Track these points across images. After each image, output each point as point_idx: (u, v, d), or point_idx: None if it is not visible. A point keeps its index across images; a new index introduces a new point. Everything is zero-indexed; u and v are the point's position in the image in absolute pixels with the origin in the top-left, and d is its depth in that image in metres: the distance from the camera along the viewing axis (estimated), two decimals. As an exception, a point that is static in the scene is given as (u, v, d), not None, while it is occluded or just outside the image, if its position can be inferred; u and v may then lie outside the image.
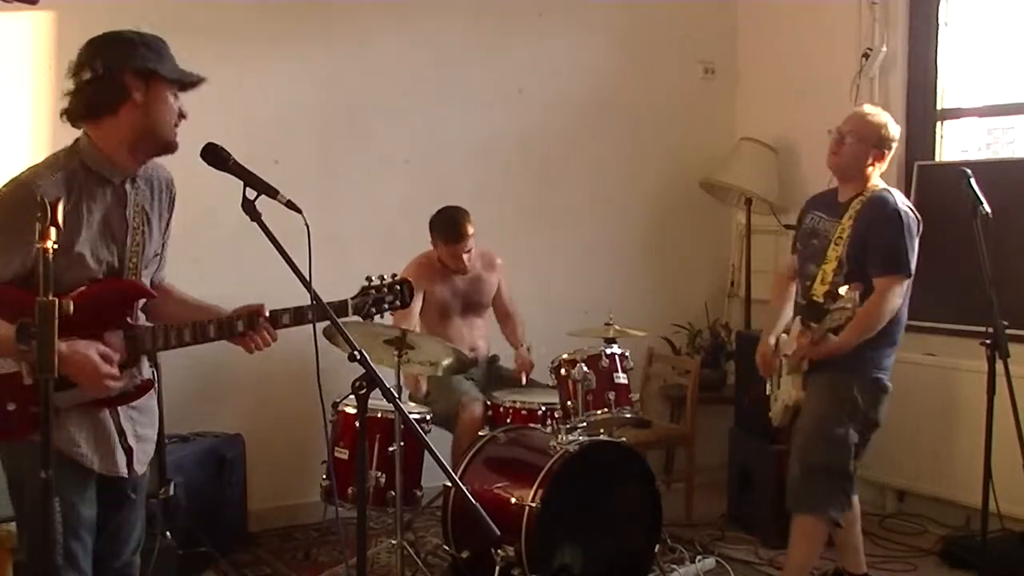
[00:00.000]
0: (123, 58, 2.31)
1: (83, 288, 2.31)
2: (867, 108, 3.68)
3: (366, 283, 2.69)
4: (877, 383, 3.50)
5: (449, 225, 4.31)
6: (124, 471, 2.43)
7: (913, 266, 3.45)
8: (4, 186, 2.30)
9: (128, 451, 2.44)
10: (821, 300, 3.52)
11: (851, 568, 3.73)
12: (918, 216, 3.50)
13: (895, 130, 3.57)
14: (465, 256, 4.32)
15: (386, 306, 2.69)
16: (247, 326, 2.49)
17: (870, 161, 3.53)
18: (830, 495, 3.47)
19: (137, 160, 2.40)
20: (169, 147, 2.40)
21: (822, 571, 3.87)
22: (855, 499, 3.65)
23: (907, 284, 3.44)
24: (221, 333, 2.47)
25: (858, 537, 3.73)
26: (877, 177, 3.58)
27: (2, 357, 2.26)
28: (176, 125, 2.39)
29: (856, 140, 3.54)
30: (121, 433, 2.42)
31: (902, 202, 3.50)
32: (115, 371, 2.30)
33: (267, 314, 2.51)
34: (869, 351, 3.46)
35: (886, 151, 3.55)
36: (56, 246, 1.84)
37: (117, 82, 2.30)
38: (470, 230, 4.31)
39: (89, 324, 2.28)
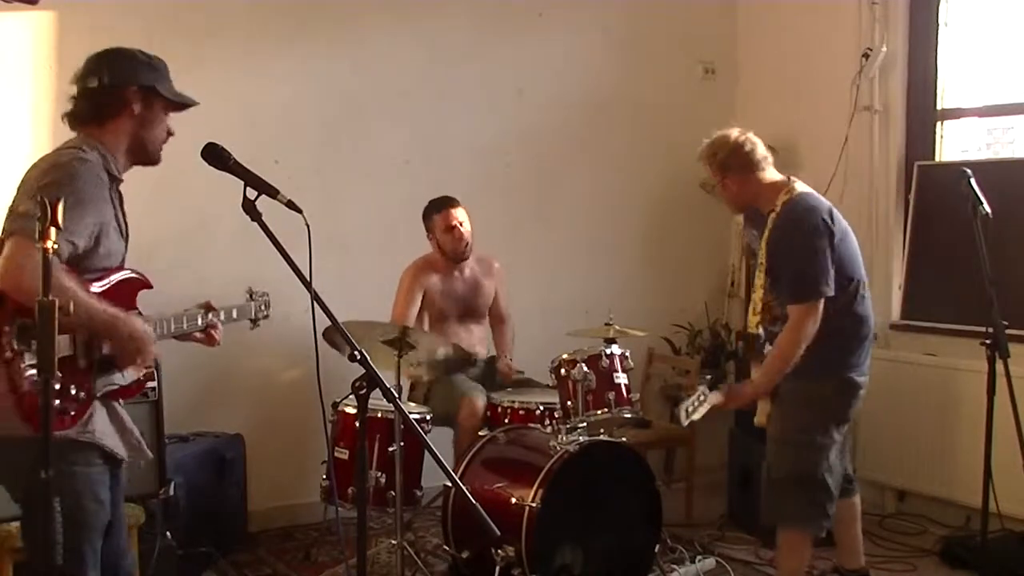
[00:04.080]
0: (128, 73, 2.46)
1: (109, 272, 2.42)
2: (700, 150, 3.52)
3: (248, 295, 2.91)
4: (849, 383, 3.40)
5: (439, 199, 4.38)
6: (149, 452, 2.55)
7: (824, 288, 3.26)
8: (60, 161, 2.34)
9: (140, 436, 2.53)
10: (755, 332, 3.46)
11: (849, 564, 3.72)
12: (826, 223, 3.30)
13: (730, 140, 3.42)
14: (461, 228, 4.34)
15: (261, 315, 2.92)
16: (207, 320, 2.66)
17: (734, 186, 3.41)
18: (804, 507, 3.36)
19: (127, 166, 2.52)
20: (153, 160, 2.55)
21: (820, 570, 3.88)
22: (856, 499, 3.65)
23: (820, 305, 3.26)
24: (190, 326, 2.63)
25: (858, 536, 3.71)
26: (776, 174, 3.42)
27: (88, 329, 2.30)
28: (164, 141, 2.55)
29: (715, 183, 3.51)
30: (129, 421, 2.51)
31: (806, 212, 3.30)
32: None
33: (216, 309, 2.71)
34: (835, 353, 3.36)
35: (740, 165, 3.38)
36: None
37: (119, 94, 2.44)
38: (461, 207, 4.36)
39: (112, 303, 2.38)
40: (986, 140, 5.10)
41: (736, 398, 3.47)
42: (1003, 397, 3.17)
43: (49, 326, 1.84)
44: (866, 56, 4.91)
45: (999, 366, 3.18)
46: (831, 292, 3.28)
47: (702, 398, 3.38)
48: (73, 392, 2.28)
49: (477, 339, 4.53)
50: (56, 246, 1.92)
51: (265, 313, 2.96)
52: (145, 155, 2.52)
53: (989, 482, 3.24)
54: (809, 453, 3.36)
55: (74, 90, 2.45)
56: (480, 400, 4.12)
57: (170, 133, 2.54)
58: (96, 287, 2.35)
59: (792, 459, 3.38)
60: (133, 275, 2.50)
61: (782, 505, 3.41)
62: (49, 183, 2.26)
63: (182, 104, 2.55)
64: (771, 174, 3.44)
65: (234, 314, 2.83)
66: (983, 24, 4.82)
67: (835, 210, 3.41)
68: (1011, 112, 4.86)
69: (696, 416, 3.38)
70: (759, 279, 3.42)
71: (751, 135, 3.47)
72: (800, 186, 3.42)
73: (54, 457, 2.12)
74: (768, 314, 3.42)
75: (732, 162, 3.41)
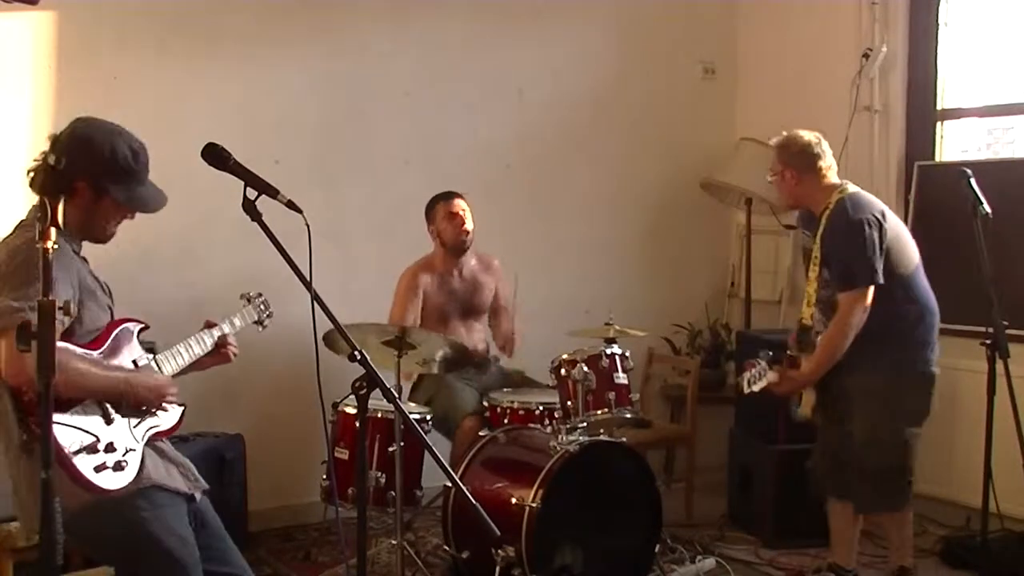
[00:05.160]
0: (82, 165, 2.41)
1: (103, 332, 2.48)
2: (774, 140, 3.73)
3: (245, 300, 2.98)
4: (924, 376, 3.57)
5: (444, 191, 4.41)
6: (205, 484, 2.60)
7: (872, 276, 3.44)
8: (18, 244, 2.36)
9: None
10: (810, 323, 3.60)
11: (842, 562, 3.79)
12: (877, 218, 3.48)
13: (803, 140, 3.62)
14: (463, 215, 4.35)
15: (265, 316, 3.01)
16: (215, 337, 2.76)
17: (792, 180, 3.60)
18: (897, 492, 3.57)
19: (80, 240, 2.53)
20: (100, 241, 2.56)
21: (815, 567, 3.93)
22: None
23: (869, 293, 3.44)
24: (202, 349, 2.74)
25: (856, 535, 3.79)
26: (836, 178, 3.61)
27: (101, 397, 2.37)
28: (116, 226, 2.55)
29: (774, 175, 3.66)
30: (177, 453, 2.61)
31: (857, 209, 3.49)
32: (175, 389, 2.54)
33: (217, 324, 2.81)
34: (908, 351, 3.54)
35: (804, 165, 3.58)
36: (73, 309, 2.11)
37: (69, 182, 2.40)
38: (465, 199, 4.39)
39: (123, 356, 2.49)
40: (986, 140, 5.10)
41: (788, 383, 3.59)
42: (1003, 397, 3.17)
43: (49, 327, 1.84)
44: (866, 56, 4.91)
45: (999, 366, 3.19)
46: (880, 280, 3.44)
47: (763, 372, 3.55)
48: (119, 448, 2.35)
49: (478, 338, 4.52)
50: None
51: (268, 312, 3.02)
52: (91, 237, 2.53)
53: (989, 482, 3.25)
54: (897, 447, 3.54)
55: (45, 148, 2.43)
56: (477, 420, 4.13)
57: (127, 217, 2.54)
58: (97, 352, 2.42)
59: (882, 454, 3.53)
60: (127, 323, 2.56)
61: (882, 495, 3.57)
62: (16, 268, 2.29)
63: (141, 209, 2.54)
64: (830, 179, 3.62)
65: (236, 323, 2.87)
66: (983, 24, 4.82)
67: (888, 211, 3.57)
68: (1011, 112, 4.86)
69: (756, 388, 3.57)
70: (813, 272, 3.57)
71: (826, 144, 3.66)
72: (854, 187, 3.61)
73: (119, 510, 2.29)
74: (825, 309, 3.57)
75: (798, 160, 3.61)
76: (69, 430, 2.25)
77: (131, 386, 2.40)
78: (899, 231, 3.57)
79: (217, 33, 4.38)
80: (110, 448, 2.32)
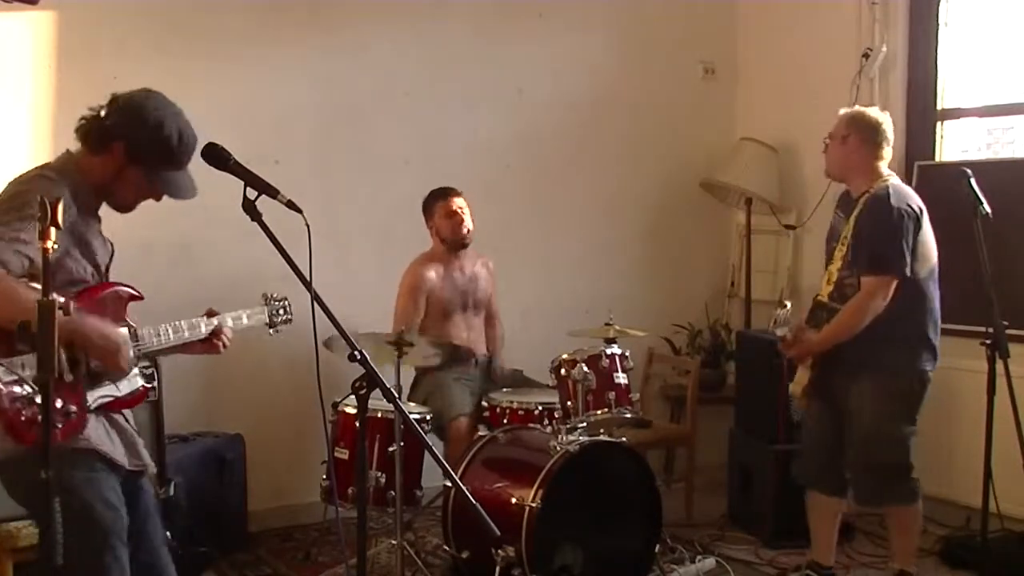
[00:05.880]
0: (126, 128, 2.43)
1: (92, 287, 2.43)
2: (846, 109, 3.74)
3: (264, 300, 2.88)
4: (922, 379, 3.59)
5: (441, 188, 4.43)
6: (152, 464, 2.56)
7: (902, 266, 3.45)
8: (25, 177, 2.38)
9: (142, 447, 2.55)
10: (826, 300, 3.61)
11: (822, 560, 3.82)
12: (916, 212, 3.50)
13: (877, 118, 3.63)
14: (463, 214, 4.38)
15: (280, 319, 2.89)
16: (211, 325, 2.66)
17: (851, 145, 3.59)
18: (905, 488, 3.59)
19: (99, 202, 2.51)
20: (119, 210, 2.54)
21: (795, 565, 3.96)
22: (846, 500, 3.74)
23: (893, 283, 3.46)
24: (193, 334, 2.62)
25: (834, 531, 3.83)
26: (886, 169, 3.62)
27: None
28: (135, 200, 2.53)
29: (833, 139, 3.65)
30: (134, 431, 2.53)
31: (899, 198, 3.51)
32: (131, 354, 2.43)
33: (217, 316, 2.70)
34: (911, 351, 3.55)
35: (868, 138, 3.59)
36: (56, 245, 1.93)
37: (108, 141, 2.43)
38: (463, 196, 4.42)
39: (106, 317, 2.40)
40: (986, 140, 5.11)
41: (796, 344, 3.62)
42: (1003, 397, 3.17)
43: (49, 326, 1.84)
44: (866, 56, 4.91)
45: (999, 366, 3.19)
46: (908, 273, 3.46)
47: (787, 317, 3.59)
48: (60, 405, 2.25)
49: (477, 334, 4.53)
50: (6, 259, 1.91)
51: (284, 317, 2.91)
52: (111, 201, 2.52)
53: (989, 482, 3.25)
54: (901, 443, 3.56)
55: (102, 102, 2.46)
56: (464, 423, 4.13)
57: (148, 197, 2.52)
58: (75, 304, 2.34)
59: (886, 450, 3.54)
60: (120, 288, 2.51)
61: (885, 488, 3.59)
62: (9, 196, 2.30)
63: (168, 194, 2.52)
64: (881, 165, 3.63)
65: (244, 319, 2.78)
66: (983, 24, 4.82)
67: (925, 209, 3.58)
68: (1011, 112, 4.86)
69: (779, 332, 3.59)
70: (839, 252, 3.59)
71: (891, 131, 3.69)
72: (897, 180, 3.65)
73: (55, 469, 2.15)
74: (840, 292, 3.57)
75: (869, 132, 3.61)
76: (15, 379, 2.19)
77: (83, 328, 2.29)
78: (928, 231, 3.58)
79: (217, 33, 4.38)
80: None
